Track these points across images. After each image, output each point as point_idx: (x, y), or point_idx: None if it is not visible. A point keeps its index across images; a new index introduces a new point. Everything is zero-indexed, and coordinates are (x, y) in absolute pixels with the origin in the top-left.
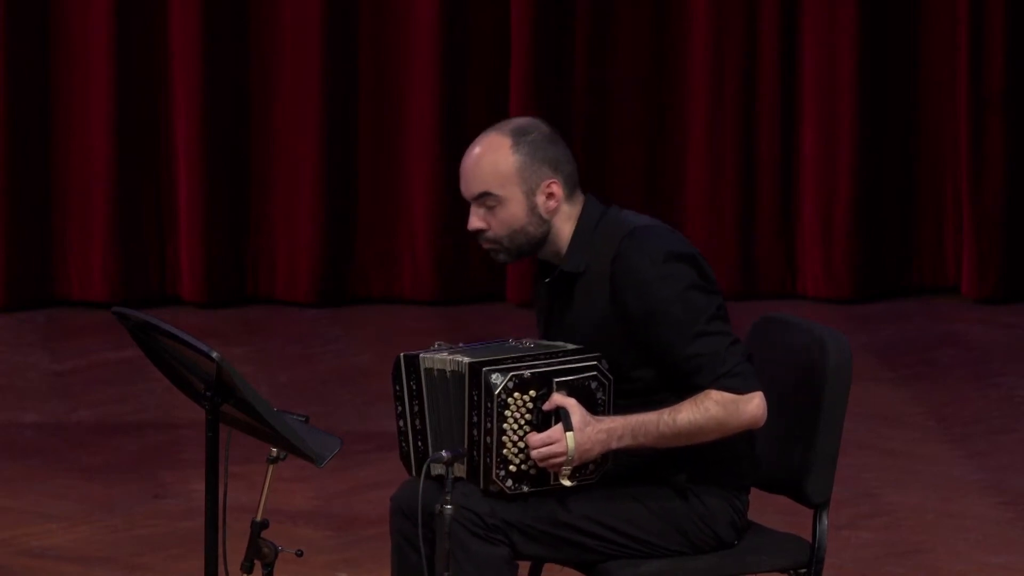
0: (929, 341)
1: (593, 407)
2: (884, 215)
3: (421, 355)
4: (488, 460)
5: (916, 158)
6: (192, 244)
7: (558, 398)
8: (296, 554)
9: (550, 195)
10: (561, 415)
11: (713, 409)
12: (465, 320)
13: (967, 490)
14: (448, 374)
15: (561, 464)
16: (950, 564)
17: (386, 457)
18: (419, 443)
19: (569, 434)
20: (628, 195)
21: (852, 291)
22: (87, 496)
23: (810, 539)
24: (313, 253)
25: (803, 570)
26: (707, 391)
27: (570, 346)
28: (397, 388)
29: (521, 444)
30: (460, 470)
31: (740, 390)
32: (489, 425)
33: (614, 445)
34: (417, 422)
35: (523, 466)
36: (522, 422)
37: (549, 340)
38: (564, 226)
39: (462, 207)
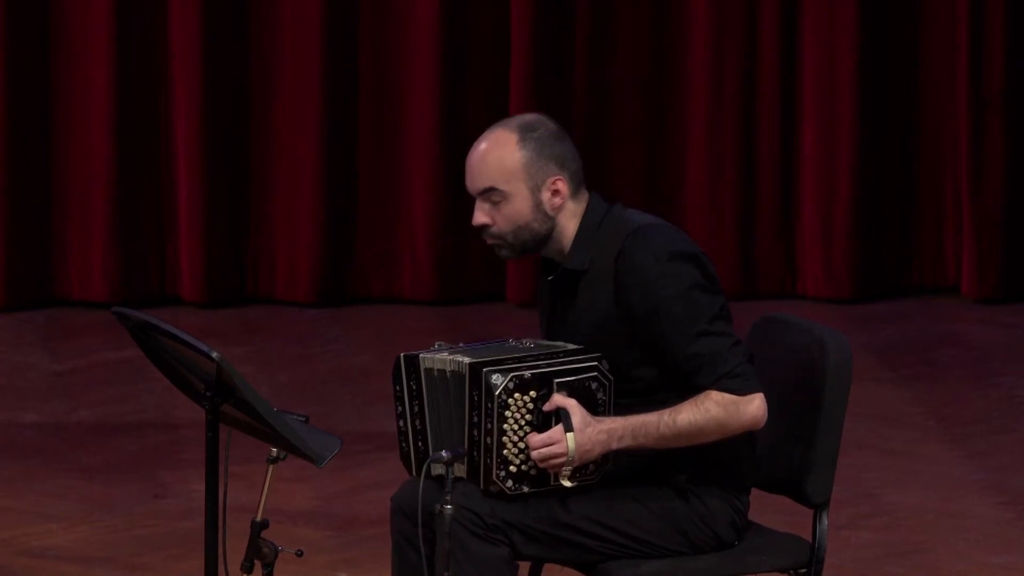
0: (929, 341)
1: (593, 408)
2: (884, 215)
3: (421, 355)
4: (488, 460)
5: (916, 158)
6: (192, 244)
7: (558, 399)
8: (296, 554)
9: (555, 192)
10: (561, 416)
11: (714, 410)
12: (465, 320)
13: (967, 490)
14: (448, 374)
15: (561, 465)
16: (950, 564)
17: (386, 457)
18: (419, 443)
19: (569, 435)
20: (628, 195)
21: (852, 291)
22: (87, 496)
23: (810, 539)
24: (313, 253)
25: (803, 570)
26: (708, 392)
27: (570, 346)
28: (397, 388)
29: (521, 445)
30: (460, 470)
31: (741, 391)
32: (489, 425)
33: (614, 446)
34: (417, 422)
35: (523, 466)
36: (522, 422)
37: (552, 337)
38: (568, 223)
39: (462, 207)
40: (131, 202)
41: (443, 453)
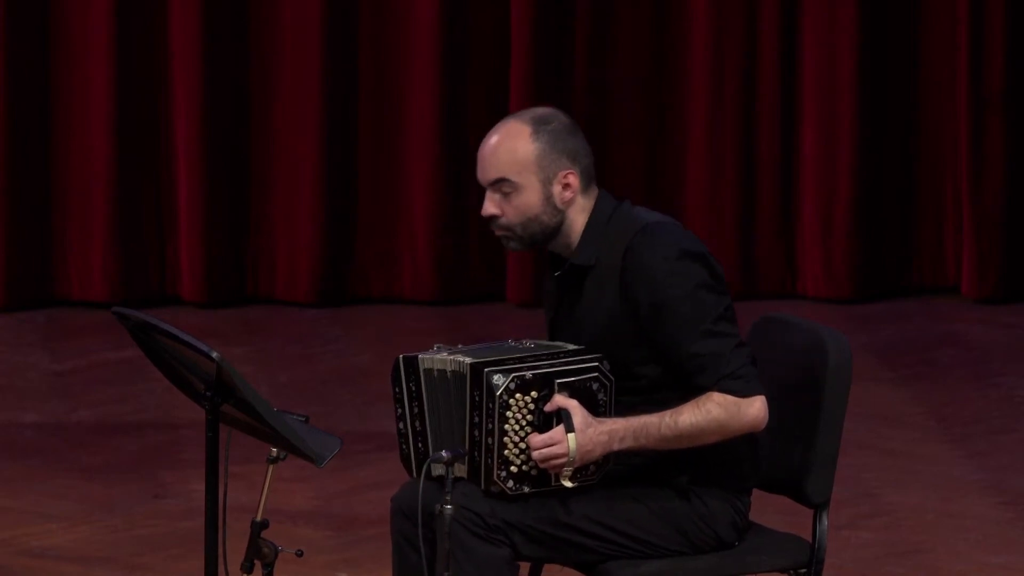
0: (929, 341)
1: (594, 408)
2: (884, 215)
3: (420, 356)
4: (489, 461)
5: (916, 158)
6: (192, 244)
7: (560, 399)
8: (296, 554)
9: (566, 185)
10: (562, 416)
11: (715, 411)
12: (465, 320)
13: (967, 490)
14: (448, 374)
15: (562, 465)
16: (950, 564)
17: (386, 457)
18: (419, 444)
19: (571, 435)
20: (628, 195)
21: (852, 291)
22: (87, 496)
23: (810, 539)
24: (313, 253)
25: (803, 570)
26: (709, 393)
27: (571, 346)
28: (396, 390)
29: (522, 445)
30: (460, 470)
31: (742, 393)
32: (490, 426)
33: (615, 447)
34: (417, 423)
35: (524, 467)
36: (523, 423)
37: (557, 333)
38: (577, 218)
39: (462, 207)
40: (131, 202)
41: (443, 453)
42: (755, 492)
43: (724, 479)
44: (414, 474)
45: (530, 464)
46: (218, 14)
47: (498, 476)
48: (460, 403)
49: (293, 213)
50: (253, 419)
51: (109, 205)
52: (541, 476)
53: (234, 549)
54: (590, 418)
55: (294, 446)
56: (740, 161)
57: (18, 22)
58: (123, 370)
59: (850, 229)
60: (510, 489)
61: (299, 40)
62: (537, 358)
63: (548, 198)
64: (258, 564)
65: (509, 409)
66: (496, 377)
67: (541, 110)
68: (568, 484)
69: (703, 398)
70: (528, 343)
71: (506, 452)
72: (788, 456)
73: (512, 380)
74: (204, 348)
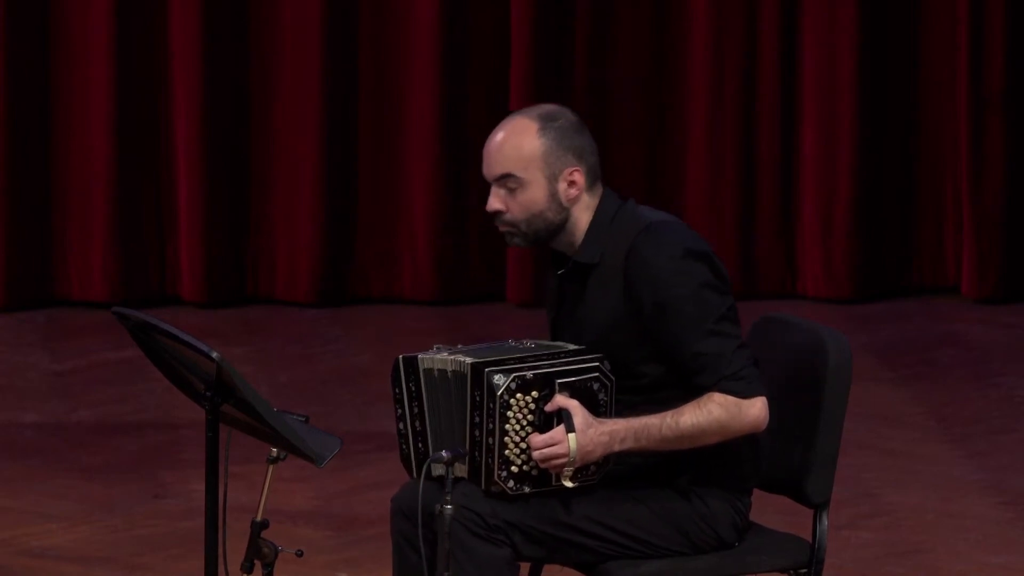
0: (929, 341)
1: (595, 408)
2: (884, 215)
3: (420, 356)
4: (490, 461)
5: (916, 158)
6: (192, 244)
7: (560, 399)
8: (296, 554)
9: (572, 183)
10: (563, 416)
11: (716, 412)
12: (465, 320)
13: (967, 490)
14: (449, 374)
15: (563, 465)
16: (950, 564)
17: (386, 457)
18: (419, 445)
19: (571, 435)
20: (628, 195)
21: (852, 291)
22: (87, 496)
23: (810, 539)
24: (313, 253)
25: (803, 570)
26: (710, 393)
27: (571, 346)
28: (396, 390)
29: (523, 445)
30: (461, 470)
31: (743, 394)
32: (491, 426)
33: (616, 447)
34: (417, 424)
35: (525, 467)
36: (524, 423)
37: (559, 331)
38: (582, 216)
39: (462, 207)
40: (131, 202)
41: (443, 453)
42: (755, 492)
43: (725, 479)
44: (414, 474)
45: (531, 464)
46: (218, 14)
47: (499, 476)
48: (460, 403)
49: (293, 213)
50: (253, 419)
51: (109, 205)
52: (542, 476)
53: (234, 549)
54: (591, 418)
55: (294, 446)
56: (740, 161)
57: (18, 22)
58: (123, 370)
59: (850, 229)
60: (511, 489)
61: (299, 40)
62: (538, 358)
63: (553, 195)
64: (258, 564)
65: (510, 409)
66: (497, 377)
67: (548, 107)
68: (568, 484)
69: (704, 399)
70: (528, 343)
71: (507, 452)
72: (788, 456)
73: (513, 380)
74: (204, 348)
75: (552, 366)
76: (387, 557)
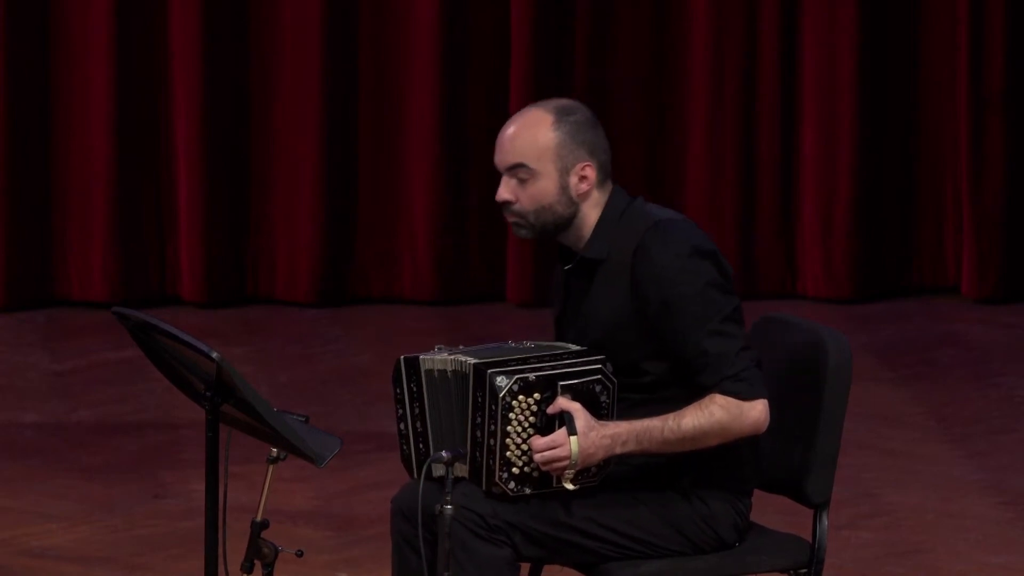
0: (929, 341)
1: (597, 411)
2: (884, 215)
3: (421, 357)
4: (491, 462)
5: (916, 158)
6: (192, 244)
7: (562, 402)
8: (296, 554)
9: (583, 178)
10: (565, 419)
11: (718, 414)
12: (465, 320)
13: (967, 490)
14: (450, 374)
15: (564, 468)
16: (950, 564)
17: (386, 457)
18: (420, 445)
19: (573, 438)
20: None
21: (852, 291)
22: (87, 496)
23: (810, 539)
24: (313, 253)
25: (803, 570)
26: (712, 395)
27: (573, 347)
28: (397, 391)
29: (524, 447)
30: (461, 470)
31: (744, 395)
32: (493, 427)
33: (618, 450)
34: (418, 424)
35: (526, 468)
36: (526, 425)
37: (564, 326)
38: (591, 212)
39: (462, 207)
40: (131, 202)
41: (443, 453)
42: (755, 492)
43: (726, 481)
44: (415, 475)
45: (532, 466)
46: (218, 14)
47: (500, 477)
48: (462, 403)
49: (293, 213)
50: (253, 419)
51: (109, 205)
52: (543, 478)
53: (234, 549)
54: (593, 421)
55: (294, 446)
56: (740, 161)
57: (18, 22)
58: (123, 370)
59: (850, 229)
60: (511, 490)
61: (299, 40)
62: (540, 359)
63: (564, 188)
64: (258, 564)
65: (512, 411)
66: (499, 379)
67: (564, 101)
68: (569, 486)
69: (706, 400)
70: (528, 344)
71: (508, 454)
72: (788, 456)
73: (515, 382)
74: (204, 348)
75: (554, 368)
76: (387, 557)
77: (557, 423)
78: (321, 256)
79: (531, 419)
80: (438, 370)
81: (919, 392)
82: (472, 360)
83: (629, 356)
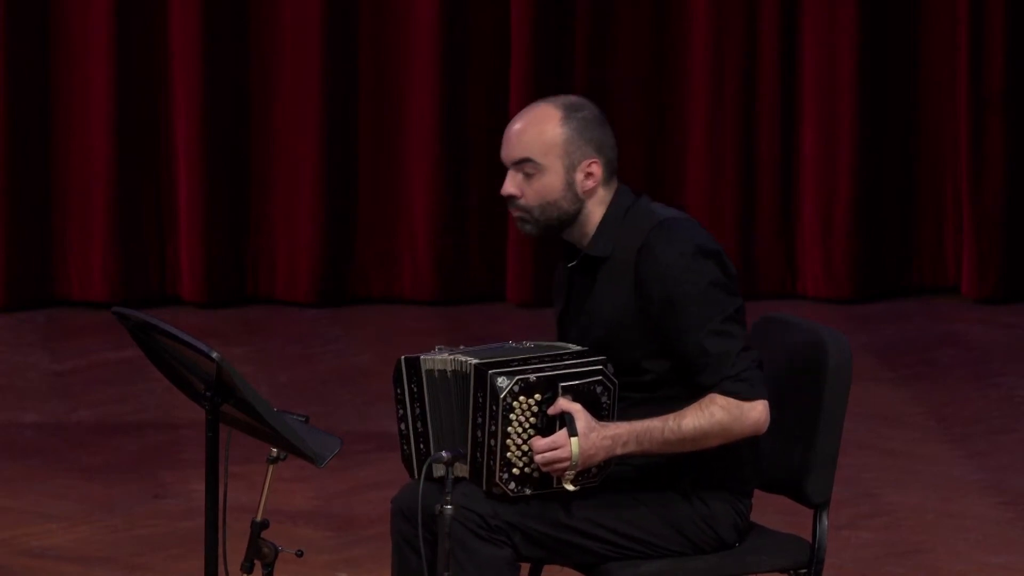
0: (929, 341)
1: (598, 412)
2: (884, 215)
3: (422, 357)
4: (492, 462)
5: (916, 158)
6: (192, 244)
7: (563, 403)
8: (296, 554)
9: (589, 174)
10: (566, 420)
11: (718, 414)
12: (465, 320)
13: (967, 490)
14: (450, 374)
15: (565, 469)
16: (950, 564)
17: (386, 457)
18: (421, 445)
19: (574, 439)
20: None
21: (852, 291)
22: (87, 496)
23: (810, 539)
24: (313, 253)
25: (803, 570)
26: (712, 396)
27: (574, 347)
28: (398, 391)
29: (525, 447)
30: (461, 470)
31: (744, 396)
32: (493, 428)
33: (619, 451)
34: (419, 424)
35: (526, 469)
36: (527, 425)
37: (566, 324)
38: (596, 209)
39: (462, 207)
40: (131, 202)
41: (443, 453)
42: (755, 492)
43: (726, 481)
44: (415, 475)
45: (532, 466)
46: (218, 14)
47: (500, 478)
48: (462, 403)
49: (293, 213)
50: (253, 419)
51: (109, 205)
52: (543, 478)
53: (234, 549)
54: (593, 422)
55: (294, 446)
56: (740, 161)
57: (18, 22)
58: (123, 370)
59: (850, 229)
60: (512, 491)
61: (299, 40)
62: (541, 360)
63: (570, 184)
64: (258, 564)
65: (512, 412)
66: (501, 380)
67: (573, 98)
68: (570, 487)
69: (706, 401)
70: (528, 344)
71: (509, 454)
72: (788, 456)
73: (516, 383)
74: (204, 348)
75: (555, 369)
76: (387, 557)
77: (558, 424)
78: (321, 256)
79: (532, 420)
80: (439, 370)
81: (919, 392)
82: (473, 360)
83: (631, 355)
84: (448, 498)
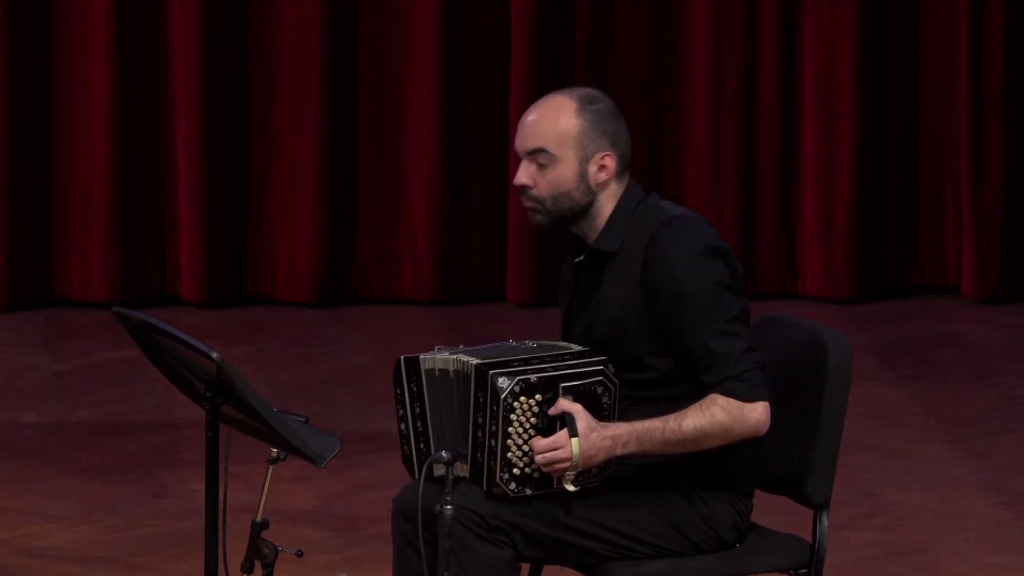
0: (929, 341)
1: (598, 412)
2: (884, 215)
3: (422, 357)
4: (492, 463)
5: (916, 158)
6: (192, 244)
7: (564, 403)
8: (296, 554)
9: (602, 167)
10: (566, 420)
11: (719, 415)
12: (465, 320)
13: (967, 490)
14: (451, 373)
15: (565, 470)
16: (950, 564)
17: (386, 457)
18: (421, 445)
19: (574, 440)
20: None
21: (852, 291)
22: (87, 496)
23: (810, 539)
24: (313, 253)
25: (803, 570)
26: (713, 396)
27: (575, 347)
28: (398, 391)
29: (526, 448)
30: (462, 470)
31: (745, 396)
32: (494, 428)
33: (619, 452)
34: (419, 424)
35: (527, 469)
36: (527, 426)
37: (572, 318)
38: (607, 203)
39: (462, 207)
40: (131, 202)
41: (443, 453)
42: (756, 492)
43: (727, 481)
44: (416, 475)
45: (533, 467)
46: (218, 14)
47: (500, 478)
48: (463, 402)
49: (293, 213)
50: (253, 419)
51: (109, 205)
52: (544, 479)
53: (234, 549)
54: (594, 423)
55: (294, 446)
56: (740, 161)
57: (18, 22)
58: (123, 370)
59: (850, 229)
60: (512, 491)
61: (299, 40)
62: (542, 360)
63: (583, 176)
64: (258, 564)
65: (513, 412)
66: (501, 380)
67: (588, 90)
68: (570, 488)
69: (707, 402)
70: (530, 343)
71: (509, 455)
72: (788, 456)
73: (517, 383)
74: (204, 348)
75: (556, 369)
76: (387, 557)
77: (558, 424)
78: (321, 256)
79: (532, 420)
80: (439, 370)
81: (919, 392)
82: (474, 360)
83: (635, 351)
84: (448, 498)
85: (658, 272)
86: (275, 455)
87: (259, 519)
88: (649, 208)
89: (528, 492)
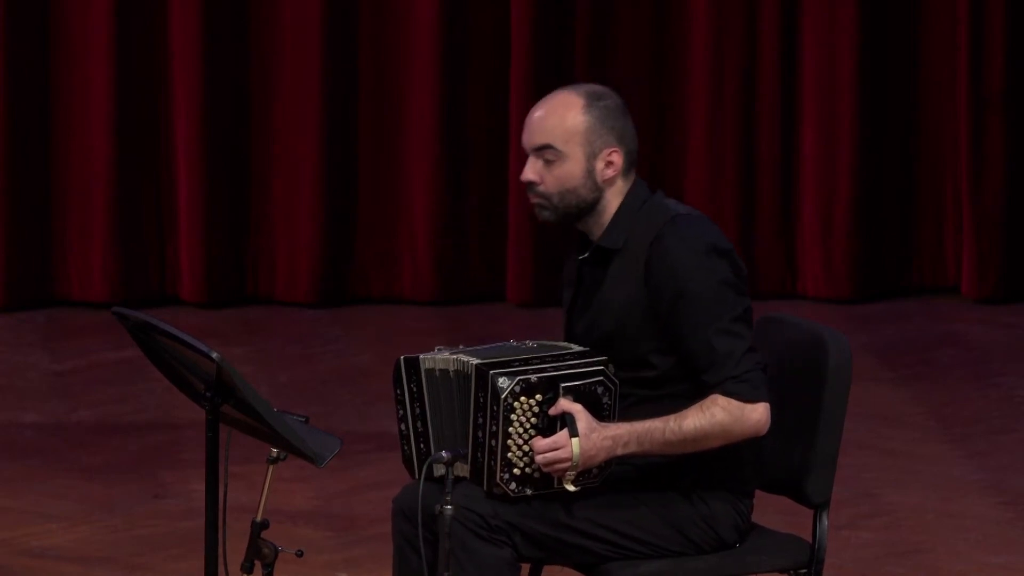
0: (929, 341)
1: (599, 412)
2: (884, 215)
3: (422, 357)
4: (492, 463)
5: (916, 158)
6: (192, 244)
7: (564, 403)
8: (296, 554)
9: (609, 163)
10: (567, 420)
11: (720, 415)
12: (465, 320)
13: (967, 490)
14: (451, 373)
15: (566, 470)
16: (950, 564)
17: (386, 457)
18: (421, 445)
19: (574, 440)
20: None
21: (852, 291)
22: (87, 496)
23: (810, 539)
24: (313, 253)
25: (803, 570)
26: (714, 396)
27: (575, 347)
28: (398, 391)
29: (526, 448)
30: (462, 470)
31: (746, 397)
32: (495, 428)
33: (619, 452)
34: (419, 424)
35: (527, 469)
36: (528, 426)
37: (575, 315)
38: (613, 200)
39: (462, 207)
40: (131, 202)
41: (444, 453)
42: (756, 492)
43: (727, 481)
44: (416, 475)
45: (533, 467)
46: (218, 14)
47: (501, 478)
48: (463, 403)
49: (293, 213)
50: (253, 419)
51: (109, 205)
52: (544, 479)
53: (234, 549)
54: (594, 423)
55: (294, 446)
56: (740, 161)
57: (18, 22)
58: (123, 370)
59: (850, 229)
60: (512, 491)
61: (299, 40)
62: (542, 360)
63: (590, 172)
64: (258, 564)
65: (513, 412)
66: (502, 380)
67: (596, 86)
68: (571, 488)
69: (708, 402)
70: (531, 343)
71: (509, 455)
72: (788, 456)
73: (517, 383)
74: (204, 348)
75: (557, 369)
76: (387, 557)
77: (559, 424)
78: (321, 256)
79: (533, 420)
80: (439, 369)
81: (919, 392)
82: (475, 360)
83: (637, 349)
84: (448, 498)
85: (662, 270)
86: (275, 455)
87: (259, 519)
88: (654, 206)
89: (528, 492)
